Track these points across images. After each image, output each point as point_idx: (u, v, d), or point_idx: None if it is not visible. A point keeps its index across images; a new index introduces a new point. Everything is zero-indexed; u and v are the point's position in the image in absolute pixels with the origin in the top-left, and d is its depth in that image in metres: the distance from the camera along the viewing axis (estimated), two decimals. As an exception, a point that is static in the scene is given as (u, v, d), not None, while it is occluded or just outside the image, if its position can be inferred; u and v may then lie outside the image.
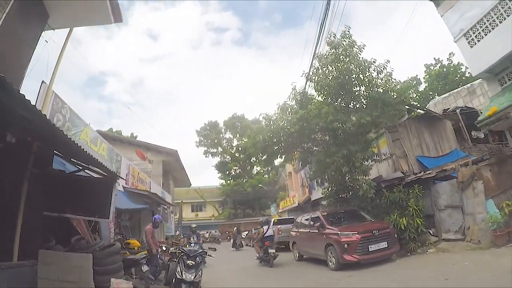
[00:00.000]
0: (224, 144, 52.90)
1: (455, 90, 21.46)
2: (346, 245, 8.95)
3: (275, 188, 43.78)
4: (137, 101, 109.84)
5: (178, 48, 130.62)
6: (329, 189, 13.36)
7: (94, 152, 10.47)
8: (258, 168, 52.83)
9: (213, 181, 53.36)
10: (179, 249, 7.58)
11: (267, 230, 13.10)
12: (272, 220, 18.42)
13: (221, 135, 52.89)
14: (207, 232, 38.49)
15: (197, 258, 7.05)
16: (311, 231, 11.09)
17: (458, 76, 30.86)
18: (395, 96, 12.23)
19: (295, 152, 13.45)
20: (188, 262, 6.77)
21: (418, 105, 19.59)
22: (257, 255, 13.18)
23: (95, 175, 7.76)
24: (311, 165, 13.85)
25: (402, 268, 8.72)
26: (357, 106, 12.66)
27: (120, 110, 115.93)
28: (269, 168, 51.02)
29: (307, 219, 12.20)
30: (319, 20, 11.53)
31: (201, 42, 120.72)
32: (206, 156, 52.65)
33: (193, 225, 13.26)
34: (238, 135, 52.05)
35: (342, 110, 12.22)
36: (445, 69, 32.15)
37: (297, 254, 12.67)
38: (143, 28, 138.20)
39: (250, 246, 24.94)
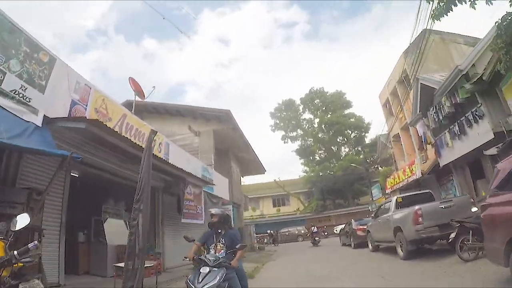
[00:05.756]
0: (304, 125, 44.71)
1: None
2: None
3: (371, 169, 34.31)
4: (216, 106, 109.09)
5: (250, 49, 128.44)
6: None
7: None
8: (347, 150, 43.68)
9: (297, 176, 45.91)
10: None
11: (314, 228, 22.98)
12: (394, 199, 10.43)
13: (299, 115, 44.76)
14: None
15: None
16: None
17: None
18: None
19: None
20: None
21: None
22: (310, 241, 22.46)
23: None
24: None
25: None
26: None
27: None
28: (360, 148, 41.66)
29: None
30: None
31: (271, 40, 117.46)
32: (284, 142, 45.22)
33: None
34: (318, 112, 43.36)
35: None
36: None
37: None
38: (214, 35, 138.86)
39: (347, 245, 16.68)
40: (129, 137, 7.50)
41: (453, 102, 12.43)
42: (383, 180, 24.12)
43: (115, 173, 8.26)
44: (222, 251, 4.35)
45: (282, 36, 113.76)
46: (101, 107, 7.13)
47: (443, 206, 8.32)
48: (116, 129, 7.22)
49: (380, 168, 36.18)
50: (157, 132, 5.63)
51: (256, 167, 26.58)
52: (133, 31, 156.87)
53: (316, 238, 21.65)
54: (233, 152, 21.56)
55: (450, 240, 7.08)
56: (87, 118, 6.26)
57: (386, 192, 21.84)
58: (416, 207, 8.34)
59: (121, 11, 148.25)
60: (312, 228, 23.19)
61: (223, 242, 4.42)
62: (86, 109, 6.61)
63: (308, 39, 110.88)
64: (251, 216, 41.93)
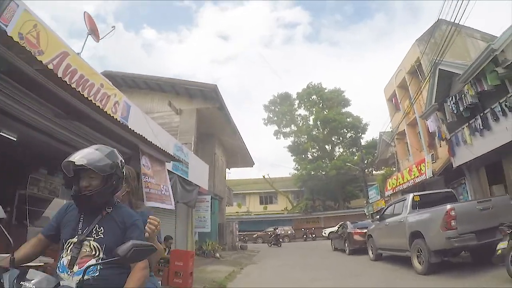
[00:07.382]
0: (299, 121, 42.59)
1: None
2: None
3: (367, 170, 32.37)
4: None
5: (249, 47, 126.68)
6: None
7: None
8: (341, 150, 41.69)
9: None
10: None
11: (278, 230, 27.68)
12: (410, 197, 8.25)
13: (294, 110, 42.57)
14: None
15: None
16: None
17: None
18: None
19: None
20: None
21: None
22: (271, 243, 24.82)
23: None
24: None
25: None
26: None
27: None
28: (356, 149, 39.74)
29: None
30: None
31: (272, 39, 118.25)
32: (277, 138, 43.12)
33: None
34: (314, 109, 41.17)
35: None
36: None
37: None
38: (214, 30, 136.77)
39: (340, 251, 14.68)
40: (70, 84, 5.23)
41: (479, 91, 10.55)
42: (382, 182, 22.14)
43: (51, 134, 5.88)
44: (93, 260, 1.66)
45: (282, 36, 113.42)
46: (29, 34, 4.88)
47: (480, 207, 6.30)
48: (51, 68, 4.97)
49: (374, 171, 34.42)
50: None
51: (244, 159, 24.35)
52: (133, 20, 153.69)
53: (280, 240, 25.54)
54: (218, 138, 19.39)
55: (499, 251, 5.05)
56: None
57: (386, 194, 19.85)
58: (448, 206, 6.24)
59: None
60: (276, 230, 27.91)
61: (99, 235, 1.73)
62: (5, 31, 4.40)
63: (308, 41, 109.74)
64: (236, 212, 39.88)
